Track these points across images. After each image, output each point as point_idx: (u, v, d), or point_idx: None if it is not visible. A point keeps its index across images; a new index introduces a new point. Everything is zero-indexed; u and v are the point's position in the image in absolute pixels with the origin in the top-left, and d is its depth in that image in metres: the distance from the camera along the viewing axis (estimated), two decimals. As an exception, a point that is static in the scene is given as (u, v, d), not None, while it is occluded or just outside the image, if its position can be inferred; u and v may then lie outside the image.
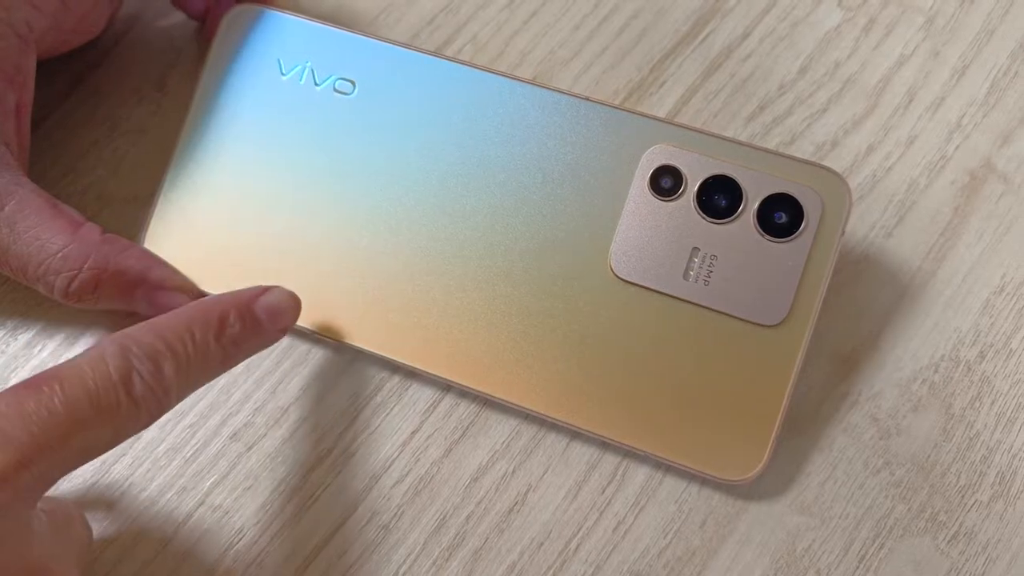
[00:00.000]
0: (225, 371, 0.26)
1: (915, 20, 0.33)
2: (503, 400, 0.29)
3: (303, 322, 0.30)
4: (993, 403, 0.29)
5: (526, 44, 0.34)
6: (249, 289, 0.27)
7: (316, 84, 0.31)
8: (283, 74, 0.31)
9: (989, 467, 0.28)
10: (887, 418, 0.29)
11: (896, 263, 0.31)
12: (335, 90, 0.31)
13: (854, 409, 0.29)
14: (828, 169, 0.28)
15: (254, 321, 0.26)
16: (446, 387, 0.30)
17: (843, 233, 0.27)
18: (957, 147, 0.32)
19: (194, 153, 0.31)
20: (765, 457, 0.27)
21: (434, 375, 0.29)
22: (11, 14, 0.27)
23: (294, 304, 0.28)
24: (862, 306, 0.30)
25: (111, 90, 0.34)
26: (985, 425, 0.29)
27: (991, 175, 0.31)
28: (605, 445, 0.29)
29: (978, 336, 0.30)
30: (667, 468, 0.29)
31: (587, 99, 0.29)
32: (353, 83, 0.31)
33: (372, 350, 0.29)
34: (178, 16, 0.35)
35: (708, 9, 0.34)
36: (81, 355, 0.23)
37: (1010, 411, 0.29)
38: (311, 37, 0.31)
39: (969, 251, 0.31)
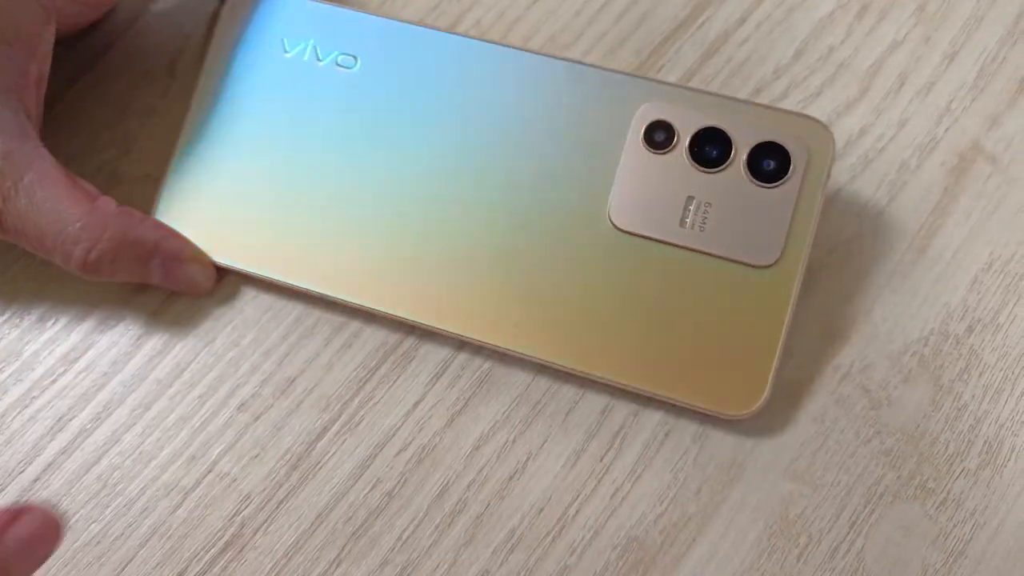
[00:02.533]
0: None
1: (907, 6, 0.34)
2: (511, 350, 0.30)
3: (312, 285, 0.31)
4: (981, 375, 0.30)
5: (528, 29, 0.35)
6: None
7: (319, 60, 0.32)
8: (287, 52, 0.32)
9: (977, 436, 0.29)
10: (878, 389, 0.30)
11: (887, 241, 0.31)
12: (338, 65, 0.32)
13: (846, 381, 0.30)
14: (811, 118, 0.29)
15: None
16: (449, 358, 0.31)
17: (829, 176, 0.29)
18: (947, 130, 0.33)
19: (201, 130, 0.32)
20: (766, 391, 0.28)
21: (444, 330, 0.30)
22: None
23: (52, 528, 0.22)
24: (854, 282, 0.31)
25: (122, 73, 0.35)
26: (973, 396, 0.29)
27: (980, 156, 0.32)
28: (604, 412, 0.30)
29: (967, 311, 0.30)
30: (665, 435, 0.29)
31: (581, 63, 0.31)
32: (355, 58, 0.32)
33: (380, 308, 0.30)
34: (188, 1, 0.36)
35: (705, -4, 0.35)
36: None
37: (997, 383, 0.29)
38: (314, 15, 0.32)
39: (958, 229, 0.31)
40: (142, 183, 0.33)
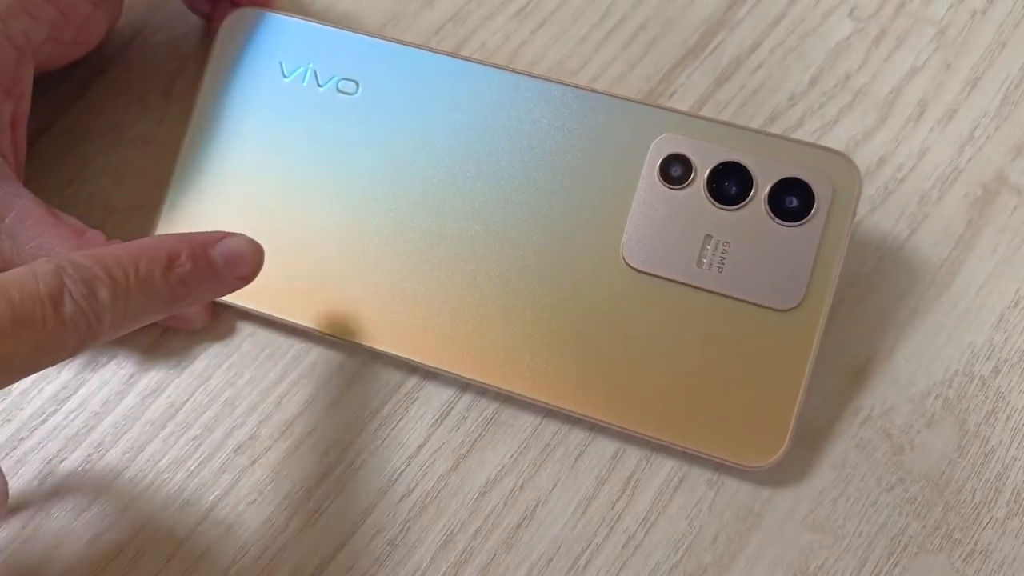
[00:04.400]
0: (173, 311, 0.25)
1: (926, 31, 0.33)
2: (520, 395, 0.28)
3: (313, 323, 0.29)
4: (1008, 418, 0.28)
5: (534, 54, 0.34)
6: (209, 232, 0.26)
7: (319, 85, 0.31)
8: (285, 76, 0.31)
9: (1005, 484, 0.28)
10: (900, 434, 0.28)
11: (908, 276, 0.30)
12: (338, 90, 0.31)
13: (867, 425, 0.29)
14: (836, 152, 0.28)
15: (208, 264, 0.25)
16: (453, 399, 0.30)
17: (855, 214, 0.27)
18: (970, 159, 0.32)
19: (198, 158, 0.31)
20: (786, 442, 0.27)
21: (448, 372, 0.29)
22: (8, 25, 0.27)
23: (255, 252, 0.26)
24: (874, 320, 0.30)
25: (117, 98, 0.34)
26: (1000, 441, 0.28)
27: (1004, 188, 0.31)
28: (615, 457, 0.29)
29: (992, 351, 0.29)
30: (679, 481, 0.28)
31: (593, 91, 0.29)
32: (356, 83, 0.31)
33: (384, 349, 0.29)
34: (184, 24, 0.35)
35: (717, 20, 0.34)
36: (14, 270, 0.22)
37: (1025, 427, 0.28)
38: (312, 38, 0.31)
39: (983, 264, 0.30)
40: (136, 213, 0.32)
